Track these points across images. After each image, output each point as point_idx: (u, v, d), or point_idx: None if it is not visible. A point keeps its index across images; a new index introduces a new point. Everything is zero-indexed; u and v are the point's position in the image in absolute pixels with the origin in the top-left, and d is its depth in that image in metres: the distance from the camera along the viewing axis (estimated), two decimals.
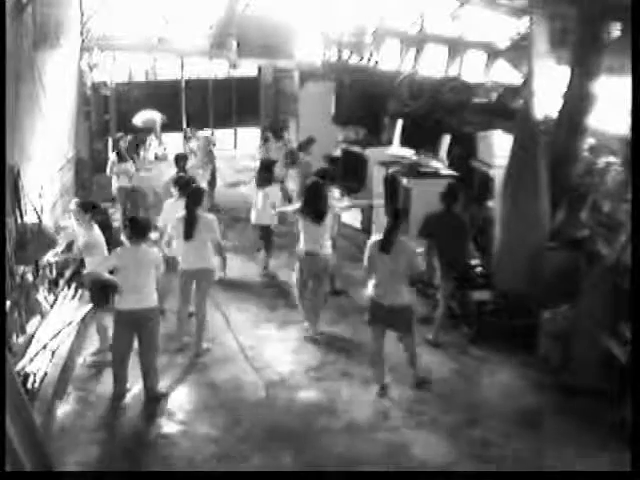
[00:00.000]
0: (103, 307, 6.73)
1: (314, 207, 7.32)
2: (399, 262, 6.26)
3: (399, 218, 6.39)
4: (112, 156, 10.90)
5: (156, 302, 6.28)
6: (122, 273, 6.10)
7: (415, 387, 6.58)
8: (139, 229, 6.24)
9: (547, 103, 7.43)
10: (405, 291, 6.42)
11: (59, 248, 7.60)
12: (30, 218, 6.92)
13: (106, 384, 6.56)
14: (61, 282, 7.61)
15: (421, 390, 6.55)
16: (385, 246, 6.26)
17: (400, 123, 11.42)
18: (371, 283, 6.46)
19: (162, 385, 6.50)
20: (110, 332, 7.15)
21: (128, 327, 6.19)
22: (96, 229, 6.93)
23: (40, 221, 7.05)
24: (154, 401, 6.30)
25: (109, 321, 7.21)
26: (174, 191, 7.79)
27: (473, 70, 11.04)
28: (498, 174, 7.96)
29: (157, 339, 6.37)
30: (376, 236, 6.62)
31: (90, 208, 6.97)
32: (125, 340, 6.23)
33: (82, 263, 7.09)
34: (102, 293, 6.58)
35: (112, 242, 7.93)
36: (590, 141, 7.73)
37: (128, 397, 6.35)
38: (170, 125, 15.63)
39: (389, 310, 6.35)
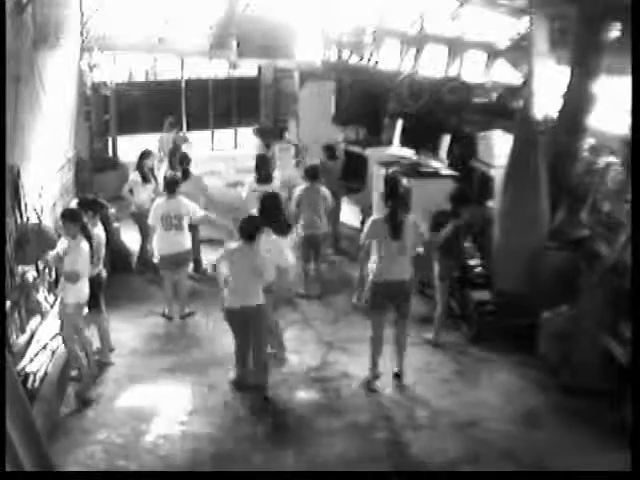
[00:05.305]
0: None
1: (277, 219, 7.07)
2: (406, 241, 6.39)
3: (396, 200, 6.45)
4: (134, 175, 9.70)
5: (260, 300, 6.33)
6: (232, 271, 6.29)
7: (394, 377, 6.64)
8: (248, 230, 6.31)
9: (547, 103, 7.43)
10: (410, 267, 6.52)
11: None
12: (30, 218, 6.91)
13: (106, 384, 6.58)
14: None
15: (399, 382, 6.63)
16: (395, 232, 6.33)
17: (400, 123, 11.42)
18: (372, 263, 6.48)
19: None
20: (110, 333, 7.21)
21: (238, 323, 6.40)
22: (99, 226, 6.94)
23: (40, 221, 7.04)
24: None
25: (107, 322, 7.26)
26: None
27: (473, 70, 11.02)
28: (498, 174, 7.96)
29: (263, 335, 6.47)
30: (377, 216, 6.63)
31: (90, 205, 6.97)
32: (239, 335, 6.46)
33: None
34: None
35: (111, 240, 7.94)
36: (590, 141, 7.73)
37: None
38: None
39: (393, 286, 6.46)
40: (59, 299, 6.43)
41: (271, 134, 11.71)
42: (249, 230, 6.29)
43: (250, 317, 6.30)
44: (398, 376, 6.72)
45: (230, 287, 6.30)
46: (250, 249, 6.27)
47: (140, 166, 9.57)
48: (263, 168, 9.03)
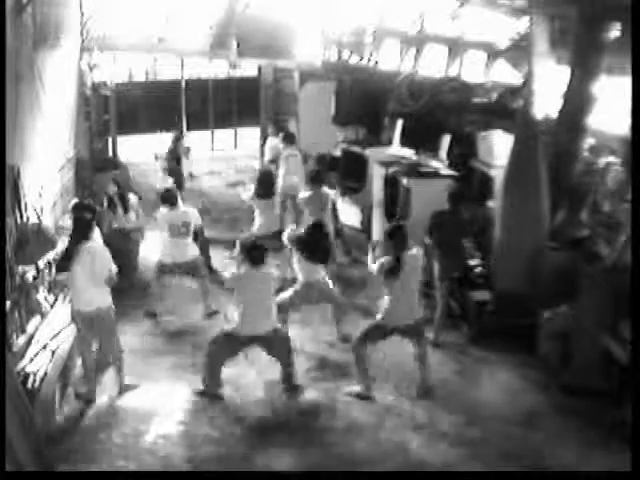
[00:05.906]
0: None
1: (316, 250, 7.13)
2: (411, 279, 6.27)
3: (401, 241, 6.28)
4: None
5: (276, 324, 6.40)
6: (241, 297, 6.23)
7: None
8: (257, 255, 6.25)
9: (547, 103, 7.43)
10: (418, 304, 6.42)
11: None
12: (30, 218, 6.91)
13: (106, 384, 6.57)
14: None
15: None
16: (394, 270, 6.18)
17: (400, 123, 11.42)
18: (382, 304, 6.36)
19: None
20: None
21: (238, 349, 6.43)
22: (95, 232, 6.92)
23: (40, 221, 7.04)
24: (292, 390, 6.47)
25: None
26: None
27: (473, 70, 11.02)
28: (498, 174, 7.96)
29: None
30: (385, 259, 6.41)
31: (86, 209, 6.94)
32: (225, 358, 6.41)
33: None
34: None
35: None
36: (590, 141, 7.73)
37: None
38: (170, 125, 15.60)
39: (403, 329, 6.38)
40: None
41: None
42: (258, 255, 6.24)
43: (264, 344, 6.34)
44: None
45: (241, 313, 6.22)
46: (260, 274, 6.25)
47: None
48: (265, 183, 9.01)
